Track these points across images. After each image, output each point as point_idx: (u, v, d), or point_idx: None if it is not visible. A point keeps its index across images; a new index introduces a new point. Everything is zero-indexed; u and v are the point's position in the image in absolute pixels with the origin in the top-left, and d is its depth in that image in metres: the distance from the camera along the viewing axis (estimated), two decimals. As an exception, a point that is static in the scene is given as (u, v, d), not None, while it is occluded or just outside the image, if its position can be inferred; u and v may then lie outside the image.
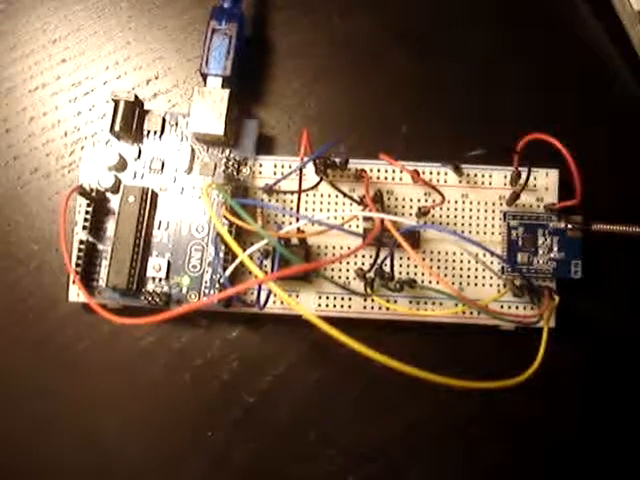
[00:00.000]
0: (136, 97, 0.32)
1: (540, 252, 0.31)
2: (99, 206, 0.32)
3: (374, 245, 0.30)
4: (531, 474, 0.32)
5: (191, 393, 0.32)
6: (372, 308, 0.31)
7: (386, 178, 0.32)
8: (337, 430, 0.32)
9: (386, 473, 0.32)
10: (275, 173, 0.32)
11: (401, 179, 0.32)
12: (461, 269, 0.32)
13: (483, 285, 0.32)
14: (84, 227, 0.31)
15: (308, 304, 0.31)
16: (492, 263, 0.31)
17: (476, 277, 0.32)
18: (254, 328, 0.33)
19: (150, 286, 0.31)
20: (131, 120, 0.32)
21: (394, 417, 0.32)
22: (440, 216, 0.32)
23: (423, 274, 0.31)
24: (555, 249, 0.31)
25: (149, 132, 0.33)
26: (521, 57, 0.35)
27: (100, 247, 0.32)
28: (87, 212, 0.31)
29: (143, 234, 0.31)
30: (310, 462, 0.32)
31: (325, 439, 0.32)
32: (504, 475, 0.32)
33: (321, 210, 0.32)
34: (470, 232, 0.32)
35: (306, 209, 0.32)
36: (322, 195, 0.32)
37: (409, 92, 0.35)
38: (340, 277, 0.32)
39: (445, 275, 0.31)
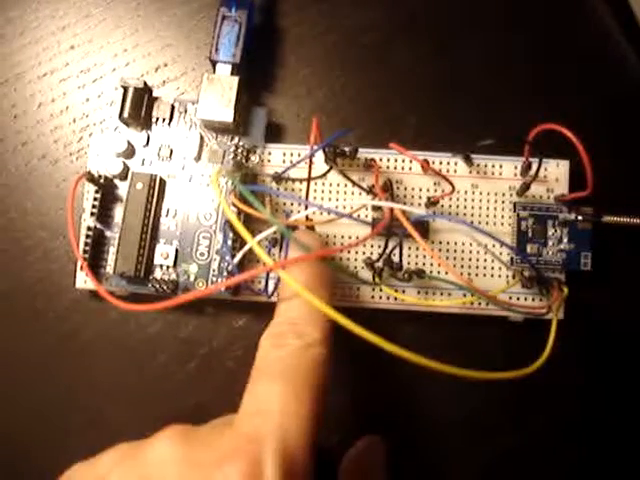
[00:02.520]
0: (145, 84, 0.32)
1: (550, 243, 0.31)
2: (107, 193, 0.32)
3: (383, 235, 0.30)
4: (533, 466, 0.32)
5: (197, 381, 0.32)
6: (380, 298, 0.31)
7: (395, 168, 0.32)
8: (342, 418, 0.32)
9: (390, 462, 0.32)
10: (284, 161, 0.32)
11: (410, 169, 0.32)
12: (470, 260, 0.31)
13: (492, 276, 0.31)
14: (92, 214, 0.31)
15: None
16: (501, 254, 0.31)
17: (485, 268, 0.31)
18: (261, 317, 0.33)
19: (158, 273, 0.31)
20: (140, 107, 0.32)
21: (399, 406, 0.32)
22: (450, 206, 0.32)
23: (432, 264, 0.31)
24: (565, 240, 0.31)
25: (158, 119, 0.32)
26: (530, 49, 0.35)
27: (108, 234, 0.32)
28: (95, 199, 0.31)
29: (151, 221, 0.31)
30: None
31: (330, 428, 0.32)
32: (508, 466, 0.32)
33: (330, 199, 0.32)
34: (480, 223, 0.32)
35: (315, 198, 0.32)
36: (331, 184, 0.32)
37: (419, 83, 0.34)
38: (348, 267, 0.31)
39: (454, 265, 0.31)
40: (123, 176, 0.32)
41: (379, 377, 0.32)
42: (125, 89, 0.32)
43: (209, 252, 0.31)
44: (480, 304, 0.31)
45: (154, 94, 0.33)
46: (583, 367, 0.32)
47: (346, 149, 0.31)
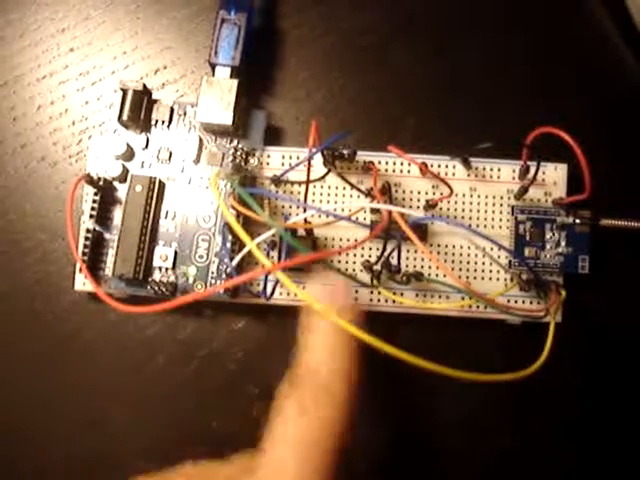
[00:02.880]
0: (144, 86, 0.32)
1: (547, 247, 0.31)
2: (106, 195, 0.32)
3: (381, 237, 0.30)
4: (531, 468, 0.32)
5: (196, 383, 0.32)
6: (379, 300, 0.31)
7: (394, 170, 0.32)
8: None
9: (389, 462, 0.32)
10: (283, 164, 0.32)
11: (409, 172, 0.32)
12: (468, 263, 0.31)
13: (490, 279, 0.31)
14: (91, 216, 0.31)
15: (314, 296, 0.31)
16: (499, 257, 0.31)
17: (483, 271, 0.31)
18: (260, 319, 0.33)
19: (157, 276, 0.31)
20: (139, 109, 0.32)
21: (397, 407, 0.32)
22: (448, 209, 0.32)
23: (430, 267, 0.31)
24: (563, 244, 0.31)
25: (157, 122, 0.32)
26: (528, 51, 0.35)
27: (107, 236, 0.32)
28: (94, 201, 0.31)
29: (150, 223, 0.31)
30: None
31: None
32: (506, 468, 0.32)
33: (328, 202, 0.32)
34: (478, 226, 0.32)
35: (313, 200, 0.32)
36: (329, 187, 0.32)
37: (418, 85, 0.34)
38: (347, 269, 0.31)
39: (452, 268, 0.31)
40: (122, 178, 0.32)
41: (377, 379, 0.32)
42: (124, 92, 0.32)
43: (208, 254, 0.31)
44: (478, 307, 0.31)
45: (153, 97, 0.33)
46: (581, 370, 0.32)
47: (345, 152, 0.31)
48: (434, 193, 0.32)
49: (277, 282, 0.30)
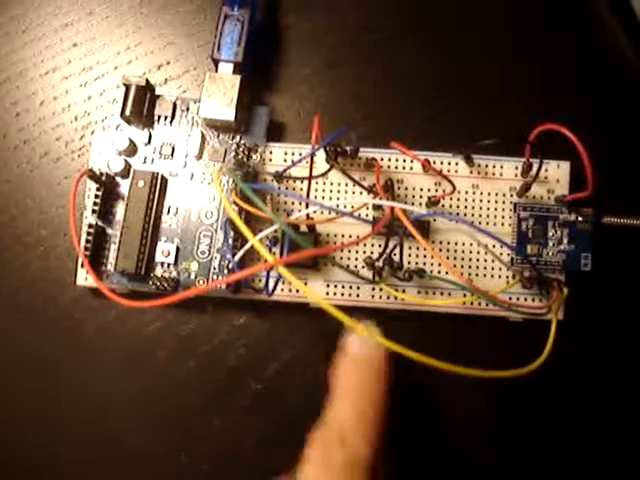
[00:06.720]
0: (147, 82, 0.32)
1: (550, 244, 0.31)
2: (108, 190, 0.32)
3: (384, 234, 0.30)
4: (535, 464, 0.32)
5: (197, 379, 0.32)
6: (380, 297, 0.31)
7: (396, 167, 0.32)
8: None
9: (390, 460, 0.32)
10: (285, 160, 0.32)
11: (411, 168, 0.32)
12: (470, 260, 0.31)
13: (492, 276, 0.31)
14: (93, 211, 0.31)
15: (316, 292, 0.31)
16: (501, 254, 0.31)
17: (485, 268, 0.31)
18: (261, 315, 0.33)
19: (158, 271, 0.31)
20: (142, 105, 0.32)
21: (399, 405, 0.32)
22: (450, 206, 0.32)
23: (432, 264, 0.31)
24: (565, 241, 0.31)
25: (160, 117, 0.32)
26: (532, 48, 0.35)
27: (109, 231, 0.32)
28: (96, 196, 0.31)
29: (152, 219, 0.31)
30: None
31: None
32: (508, 464, 0.32)
33: (331, 198, 0.32)
34: (480, 223, 0.32)
35: (316, 196, 0.32)
36: (332, 183, 0.32)
37: (421, 82, 0.34)
38: (349, 265, 0.31)
39: (454, 265, 0.31)
40: (125, 174, 0.32)
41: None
42: (127, 87, 0.32)
43: (210, 250, 0.31)
44: (480, 304, 0.31)
45: (156, 92, 0.33)
46: (583, 367, 0.32)
47: (347, 148, 0.31)
48: (437, 190, 0.32)
49: (279, 278, 0.30)
